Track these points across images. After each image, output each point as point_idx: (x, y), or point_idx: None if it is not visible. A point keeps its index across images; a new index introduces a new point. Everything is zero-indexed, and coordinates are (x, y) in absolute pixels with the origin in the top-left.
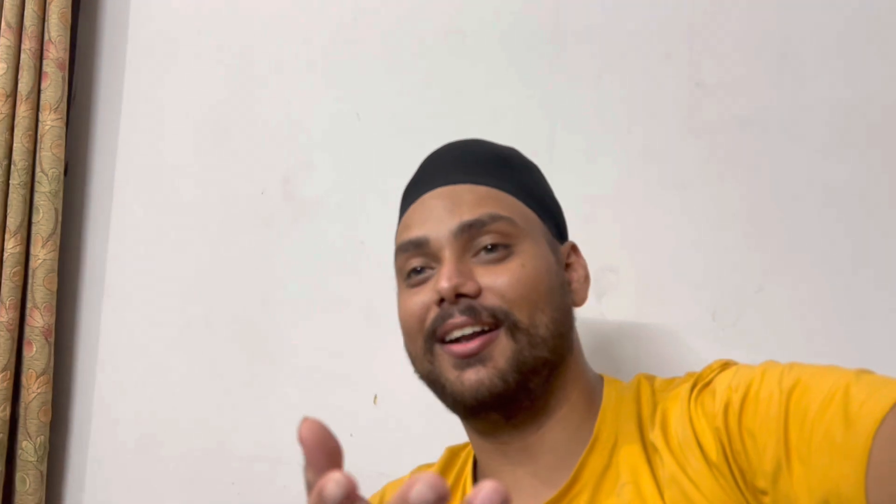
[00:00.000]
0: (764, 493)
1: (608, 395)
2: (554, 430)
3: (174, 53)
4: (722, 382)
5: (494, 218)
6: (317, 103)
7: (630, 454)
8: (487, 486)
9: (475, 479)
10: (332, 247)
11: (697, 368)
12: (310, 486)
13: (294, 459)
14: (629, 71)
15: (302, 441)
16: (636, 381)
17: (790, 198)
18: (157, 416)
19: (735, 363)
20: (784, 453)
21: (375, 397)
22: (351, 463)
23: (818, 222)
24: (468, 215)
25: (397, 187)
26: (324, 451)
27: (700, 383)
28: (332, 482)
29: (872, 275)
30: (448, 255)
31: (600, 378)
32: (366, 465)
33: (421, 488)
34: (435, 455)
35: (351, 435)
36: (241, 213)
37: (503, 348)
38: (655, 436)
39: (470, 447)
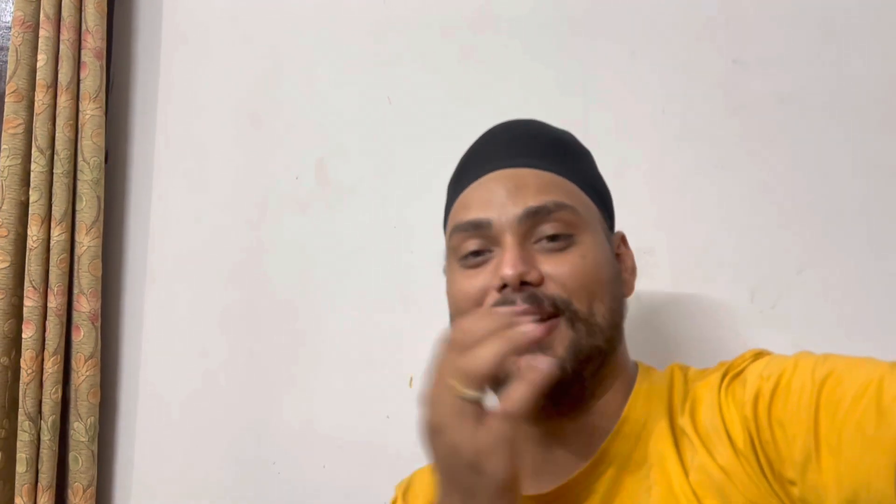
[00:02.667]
0: (792, 483)
1: (640, 382)
2: (593, 416)
3: (209, 40)
4: (753, 372)
5: (559, 206)
6: (348, 88)
7: (658, 439)
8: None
9: None
10: (366, 231)
11: (735, 350)
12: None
13: (332, 440)
14: (664, 48)
15: None
16: (669, 370)
17: (832, 177)
18: (200, 397)
19: (768, 352)
20: (814, 444)
21: (411, 379)
22: (388, 444)
23: (860, 202)
24: (533, 201)
25: (429, 171)
26: None
27: (731, 372)
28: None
29: None
30: (510, 240)
31: (636, 365)
32: (403, 447)
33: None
34: None
35: (388, 417)
36: (278, 199)
37: (563, 337)
38: (685, 422)
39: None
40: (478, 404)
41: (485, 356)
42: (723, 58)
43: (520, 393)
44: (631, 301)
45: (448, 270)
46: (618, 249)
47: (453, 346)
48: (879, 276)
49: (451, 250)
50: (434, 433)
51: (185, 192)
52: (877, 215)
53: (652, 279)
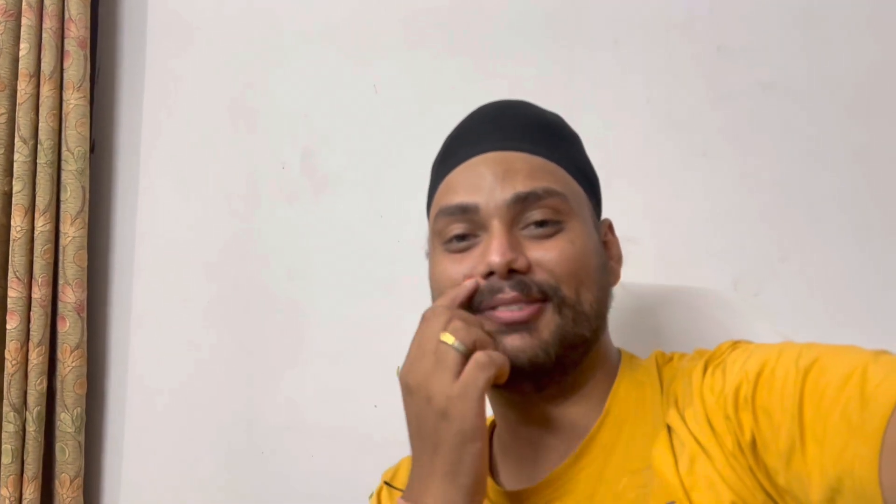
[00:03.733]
0: (777, 472)
1: (623, 371)
2: (577, 405)
3: (195, 30)
4: (736, 362)
5: (549, 192)
6: (334, 77)
7: (643, 431)
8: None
9: (489, 452)
10: (353, 221)
11: (718, 338)
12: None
13: (320, 429)
14: (648, 36)
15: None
16: (652, 358)
17: (815, 165)
18: (188, 387)
19: (746, 342)
20: (799, 432)
21: (398, 368)
22: (375, 433)
23: (844, 190)
24: (522, 187)
25: (415, 159)
26: None
27: (712, 363)
28: None
29: None
30: (498, 226)
31: (619, 353)
32: (390, 435)
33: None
34: None
35: (375, 406)
36: (264, 188)
37: (548, 321)
38: (670, 414)
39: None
40: (459, 357)
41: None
42: (707, 46)
43: (499, 354)
44: (615, 289)
45: (431, 254)
46: (605, 237)
47: (451, 303)
48: (862, 264)
49: (436, 234)
50: (414, 387)
51: (172, 181)
52: (859, 203)
53: (636, 268)
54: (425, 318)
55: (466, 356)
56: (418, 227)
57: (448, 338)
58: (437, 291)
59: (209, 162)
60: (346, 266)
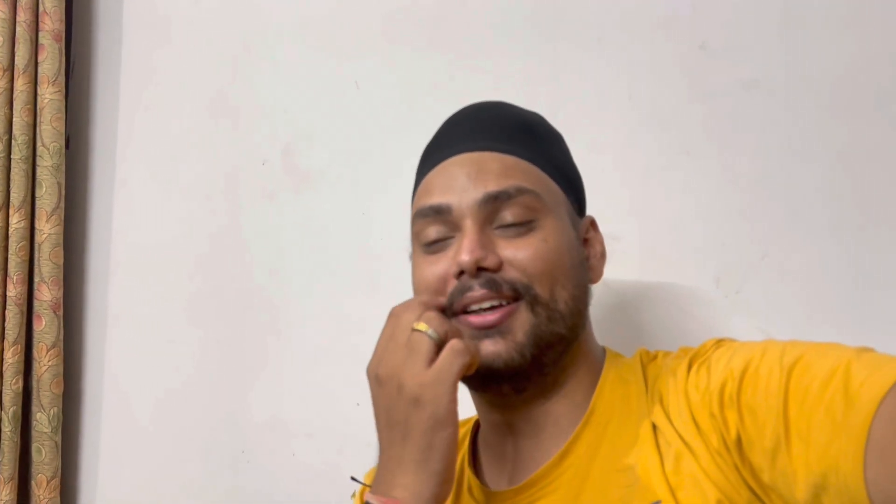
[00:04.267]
0: (762, 469)
1: (608, 370)
2: (559, 404)
3: (172, 23)
4: (719, 361)
5: (520, 191)
6: (315, 72)
7: (629, 431)
8: None
9: (474, 452)
10: (334, 218)
11: (701, 335)
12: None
13: (302, 428)
14: (631, 34)
15: None
16: (637, 356)
17: (796, 163)
18: (167, 386)
19: (730, 340)
20: (784, 430)
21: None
22: (358, 432)
23: (824, 188)
24: (494, 186)
25: (397, 156)
26: None
27: (696, 362)
28: None
29: (880, 241)
30: (470, 225)
31: (603, 351)
32: (372, 434)
33: None
34: None
35: (358, 404)
36: (244, 185)
37: (522, 321)
38: (656, 413)
39: (470, 423)
40: (432, 345)
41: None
42: (690, 45)
43: (474, 343)
44: (599, 287)
45: (413, 256)
46: (586, 234)
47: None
48: (841, 261)
49: (415, 236)
50: (384, 377)
51: (149, 178)
52: (839, 201)
53: (619, 265)
54: (395, 314)
55: (439, 345)
56: (400, 224)
57: (422, 326)
58: (416, 292)
59: (188, 158)
60: (326, 265)
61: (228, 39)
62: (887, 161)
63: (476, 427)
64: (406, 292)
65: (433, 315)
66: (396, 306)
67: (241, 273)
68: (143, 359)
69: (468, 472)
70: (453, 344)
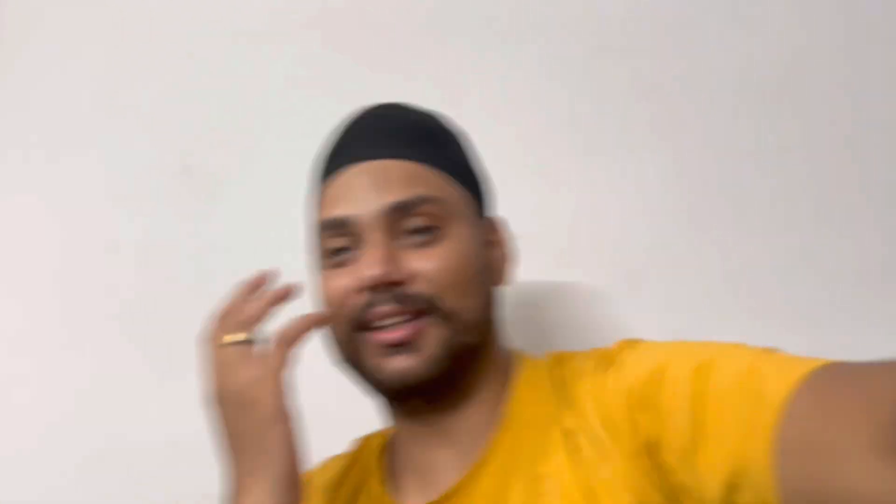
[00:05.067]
0: (674, 471)
1: (518, 374)
2: (472, 412)
3: (61, 22)
4: (628, 362)
5: (424, 200)
6: (213, 75)
7: (543, 436)
8: None
9: (387, 465)
10: (237, 225)
11: (611, 336)
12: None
13: (191, 446)
14: (533, 34)
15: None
16: (547, 358)
17: (699, 161)
18: (49, 408)
19: (641, 341)
20: (694, 431)
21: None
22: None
23: (728, 185)
24: (396, 196)
25: (300, 161)
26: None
27: (606, 362)
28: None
29: (789, 238)
30: (373, 238)
31: (513, 354)
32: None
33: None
34: (351, 439)
35: None
36: (140, 192)
37: (433, 335)
38: (568, 417)
39: (382, 436)
40: (245, 346)
41: (250, 307)
42: (589, 43)
43: (291, 327)
44: (507, 287)
45: (316, 269)
46: (490, 236)
47: (220, 315)
48: (751, 259)
49: (316, 248)
50: (214, 400)
51: (34, 185)
52: (747, 198)
53: (525, 265)
54: (200, 343)
55: (251, 342)
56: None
57: (227, 339)
58: (324, 306)
59: (77, 166)
60: (230, 276)
61: (120, 41)
62: (794, 157)
63: (391, 440)
64: (316, 303)
65: (232, 324)
66: (201, 334)
67: (136, 285)
68: (14, 382)
69: (379, 490)
70: (276, 338)
